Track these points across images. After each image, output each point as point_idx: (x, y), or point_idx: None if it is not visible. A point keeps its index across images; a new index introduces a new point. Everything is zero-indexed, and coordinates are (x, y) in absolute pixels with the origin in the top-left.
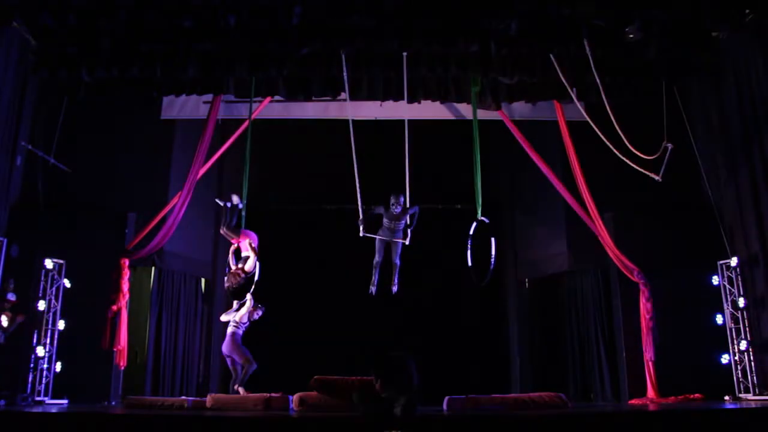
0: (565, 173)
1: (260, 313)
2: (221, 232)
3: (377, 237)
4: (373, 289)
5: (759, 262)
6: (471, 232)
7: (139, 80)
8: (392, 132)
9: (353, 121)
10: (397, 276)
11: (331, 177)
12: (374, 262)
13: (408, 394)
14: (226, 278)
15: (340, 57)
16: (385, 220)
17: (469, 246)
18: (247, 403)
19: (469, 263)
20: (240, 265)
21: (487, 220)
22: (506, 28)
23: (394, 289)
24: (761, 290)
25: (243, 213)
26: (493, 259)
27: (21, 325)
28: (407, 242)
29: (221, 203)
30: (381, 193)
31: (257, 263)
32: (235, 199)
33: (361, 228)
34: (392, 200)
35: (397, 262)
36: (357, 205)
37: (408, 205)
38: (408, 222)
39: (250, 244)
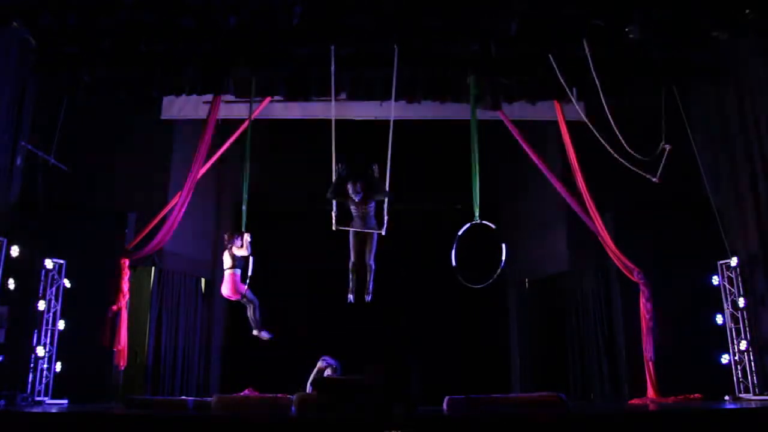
0: (565, 173)
1: (333, 364)
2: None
3: (351, 229)
4: (350, 296)
5: (759, 262)
6: (460, 233)
7: (139, 80)
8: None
9: (353, 121)
10: (371, 282)
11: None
12: (350, 264)
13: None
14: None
15: (339, 57)
16: (352, 208)
17: (454, 247)
18: (251, 403)
19: (454, 263)
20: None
21: (493, 226)
22: (506, 28)
23: (368, 297)
24: (761, 290)
25: (244, 209)
26: (502, 264)
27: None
28: (383, 232)
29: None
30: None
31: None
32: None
33: (333, 218)
34: (350, 189)
35: (372, 263)
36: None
37: (385, 189)
38: (375, 210)
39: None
